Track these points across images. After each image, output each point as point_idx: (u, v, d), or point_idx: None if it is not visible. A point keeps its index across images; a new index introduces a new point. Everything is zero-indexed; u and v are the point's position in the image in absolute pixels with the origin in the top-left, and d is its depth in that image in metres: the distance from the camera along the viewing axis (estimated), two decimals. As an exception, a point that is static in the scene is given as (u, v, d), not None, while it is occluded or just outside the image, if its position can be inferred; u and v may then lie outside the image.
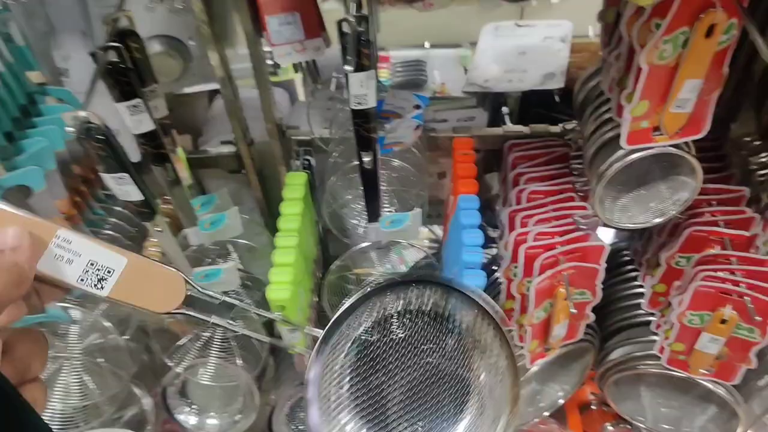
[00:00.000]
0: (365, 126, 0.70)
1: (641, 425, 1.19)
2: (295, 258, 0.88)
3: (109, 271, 0.45)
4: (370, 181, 0.78)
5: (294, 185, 0.98)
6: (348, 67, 0.68)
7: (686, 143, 0.80)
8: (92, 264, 0.44)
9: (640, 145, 0.77)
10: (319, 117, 1.04)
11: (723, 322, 0.92)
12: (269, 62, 0.92)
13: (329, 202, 1.00)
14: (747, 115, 0.93)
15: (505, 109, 1.15)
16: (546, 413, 1.16)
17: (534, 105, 1.11)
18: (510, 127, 1.10)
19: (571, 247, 0.91)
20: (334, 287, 1.08)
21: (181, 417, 1.17)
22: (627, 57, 0.75)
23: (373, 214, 0.83)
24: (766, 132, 0.88)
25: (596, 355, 1.14)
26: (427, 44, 1.34)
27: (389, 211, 0.94)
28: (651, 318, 1.06)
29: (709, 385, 1.03)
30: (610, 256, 1.19)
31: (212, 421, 1.20)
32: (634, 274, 1.11)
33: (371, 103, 0.68)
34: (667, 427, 1.18)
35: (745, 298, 0.89)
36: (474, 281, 0.89)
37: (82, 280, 0.44)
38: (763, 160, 0.91)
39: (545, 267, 0.90)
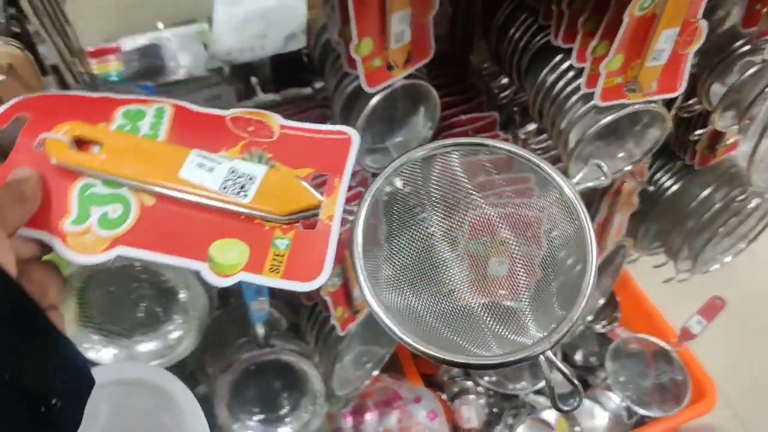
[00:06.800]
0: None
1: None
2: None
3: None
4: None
5: None
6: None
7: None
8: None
9: (379, 85, 0.75)
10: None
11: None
12: None
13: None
14: (479, 44, 1.05)
15: (254, 80, 1.04)
16: (375, 372, 1.12)
17: (285, 70, 1.04)
18: (261, 97, 1.01)
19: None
20: None
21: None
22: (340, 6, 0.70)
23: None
24: (497, 57, 1.02)
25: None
26: (160, 25, 1.07)
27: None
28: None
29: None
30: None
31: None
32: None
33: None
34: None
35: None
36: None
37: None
38: (503, 82, 1.06)
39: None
